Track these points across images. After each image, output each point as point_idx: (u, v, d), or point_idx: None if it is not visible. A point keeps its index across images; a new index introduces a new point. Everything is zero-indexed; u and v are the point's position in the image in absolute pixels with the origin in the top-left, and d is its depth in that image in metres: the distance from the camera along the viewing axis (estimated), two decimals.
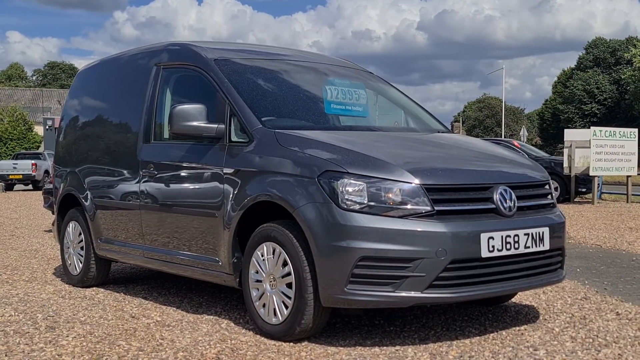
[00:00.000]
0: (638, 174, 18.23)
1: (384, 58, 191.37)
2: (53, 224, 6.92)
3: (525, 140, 40.82)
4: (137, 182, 5.42)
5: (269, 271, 4.26)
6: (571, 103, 64.85)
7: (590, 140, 16.26)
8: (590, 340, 4.14)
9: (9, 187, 28.13)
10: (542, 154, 20.51)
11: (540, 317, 4.74)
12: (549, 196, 4.55)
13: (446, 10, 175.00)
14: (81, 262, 6.22)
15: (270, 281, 4.25)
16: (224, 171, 4.58)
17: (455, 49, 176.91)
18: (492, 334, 4.30)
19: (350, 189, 3.90)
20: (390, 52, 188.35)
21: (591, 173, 16.24)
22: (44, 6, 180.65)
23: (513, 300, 5.26)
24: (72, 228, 6.41)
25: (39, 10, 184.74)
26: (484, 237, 3.92)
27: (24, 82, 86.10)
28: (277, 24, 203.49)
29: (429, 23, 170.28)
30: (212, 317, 4.87)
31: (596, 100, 63.74)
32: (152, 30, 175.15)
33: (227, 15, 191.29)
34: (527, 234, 4.11)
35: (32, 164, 27.69)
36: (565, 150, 16.93)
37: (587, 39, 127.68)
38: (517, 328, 4.45)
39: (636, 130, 17.52)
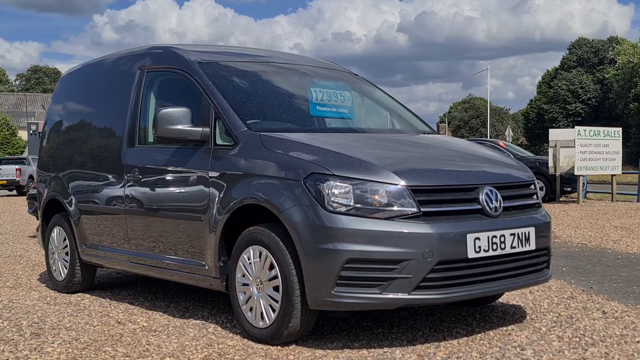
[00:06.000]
0: (622, 173, 18.36)
1: (365, 59, 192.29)
2: (37, 230, 6.86)
3: (511, 140, 41.03)
4: (122, 187, 5.38)
5: (256, 274, 4.24)
6: (555, 103, 65.26)
7: (574, 140, 16.36)
8: (577, 339, 4.15)
9: None
10: (527, 153, 20.63)
11: (527, 317, 4.75)
12: (535, 196, 4.56)
13: (426, 12, 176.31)
14: (66, 268, 6.17)
15: (257, 284, 4.23)
16: (210, 174, 4.56)
17: (437, 50, 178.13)
18: (479, 335, 4.30)
19: (336, 191, 3.89)
20: (372, 53, 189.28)
21: (576, 172, 16.34)
22: (21, 10, 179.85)
23: (500, 300, 5.27)
24: (56, 233, 6.36)
25: (17, 14, 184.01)
26: (470, 237, 3.92)
27: (6, 86, 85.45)
28: (258, 26, 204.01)
29: (409, 24, 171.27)
30: (199, 321, 4.85)
31: (580, 99, 64.19)
32: (132, 33, 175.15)
33: (208, 18, 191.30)
34: (513, 234, 4.12)
35: (16, 169, 27.48)
36: (550, 150, 17.02)
37: (566, 39, 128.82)
38: (505, 328, 4.46)
39: (620, 129, 17.66)
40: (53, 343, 4.33)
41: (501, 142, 19.76)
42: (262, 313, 4.19)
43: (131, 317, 5.05)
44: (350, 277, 3.82)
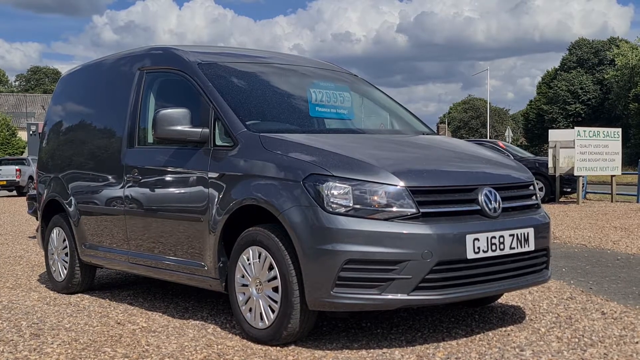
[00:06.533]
0: (622, 174, 18.37)
1: (365, 60, 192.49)
2: (37, 230, 6.87)
3: (510, 140, 41.04)
4: (122, 187, 5.39)
5: (255, 275, 4.24)
6: (555, 103, 65.27)
7: (574, 141, 16.36)
8: (576, 340, 4.16)
9: None
10: (527, 154, 20.63)
11: (527, 318, 4.76)
12: (534, 197, 4.56)
13: (425, 12, 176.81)
14: (66, 269, 6.17)
15: (257, 285, 4.24)
16: (209, 175, 4.56)
17: (436, 50, 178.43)
18: (478, 335, 4.31)
19: (335, 192, 3.89)
20: (371, 54, 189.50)
21: (576, 173, 16.34)
22: (21, 10, 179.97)
23: (499, 301, 5.27)
24: (56, 234, 6.36)
25: (16, 15, 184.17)
26: (469, 238, 3.93)
27: (5, 86, 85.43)
28: (258, 27, 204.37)
29: (409, 25, 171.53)
30: (198, 322, 4.85)
31: (580, 100, 64.21)
32: (132, 34, 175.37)
33: (208, 19, 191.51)
34: (512, 235, 4.12)
35: (16, 170, 27.47)
36: (550, 151, 17.02)
37: (565, 40, 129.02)
38: (504, 329, 4.46)
39: (619, 130, 17.66)
40: (52, 344, 4.33)
41: (501, 143, 19.75)
42: (261, 314, 4.19)
43: (130, 317, 5.05)
44: (350, 278, 3.82)
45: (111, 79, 5.97)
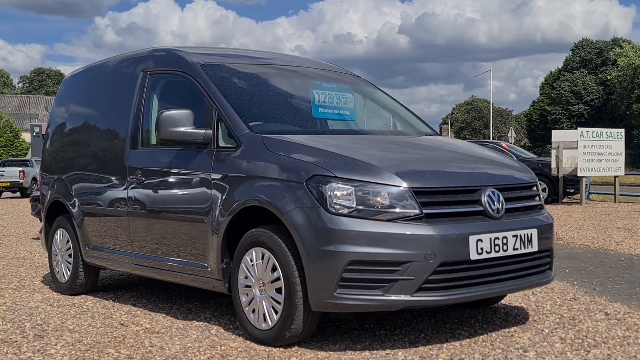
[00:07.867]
0: (625, 174, 18.34)
1: (366, 61, 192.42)
2: (41, 232, 6.88)
3: (513, 141, 41.01)
4: (125, 189, 5.40)
5: (258, 276, 4.24)
6: (558, 104, 65.16)
7: (577, 141, 16.34)
8: (580, 340, 4.15)
9: None
10: (530, 155, 20.61)
11: (530, 319, 4.75)
12: (537, 198, 4.56)
13: (427, 13, 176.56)
14: (69, 270, 6.18)
15: (260, 286, 4.24)
16: (212, 177, 4.57)
17: (438, 51, 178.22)
18: (482, 336, 4.31)
19: (338, 193, 3.90)
20: (373, 55, 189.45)
21: (579, 174, 16.33)
22: (23, 12, 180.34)
23: (502, 301, 5.27)
24: (60, 235, 6.38)
25: (19, 16, 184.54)
26: (472, 239, 3.92)
27: (9, 88, 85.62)
28: (260, 28, 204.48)
29: (411, 26, 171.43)
30: (201, 323, 4.85)
31: (583, 101, 64.08)
32: (134, 35, 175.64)
33: (210, 21, 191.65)
34: (516, 236, 4.12)
35: (20, 171, 27.54)
36: (553, 151, 17.03)
37: (567, 40, 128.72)
38: (507, 330, 4.46)
39: (622, 130, 17.64)
40: (56, 345, 4.34)
41: (504, 144, 19.76)
42: (264, 315, 4.20)
43: (134, 318, 5.05)
44: (353, 279, 3.83)
45: (114, 81, 5.99)
